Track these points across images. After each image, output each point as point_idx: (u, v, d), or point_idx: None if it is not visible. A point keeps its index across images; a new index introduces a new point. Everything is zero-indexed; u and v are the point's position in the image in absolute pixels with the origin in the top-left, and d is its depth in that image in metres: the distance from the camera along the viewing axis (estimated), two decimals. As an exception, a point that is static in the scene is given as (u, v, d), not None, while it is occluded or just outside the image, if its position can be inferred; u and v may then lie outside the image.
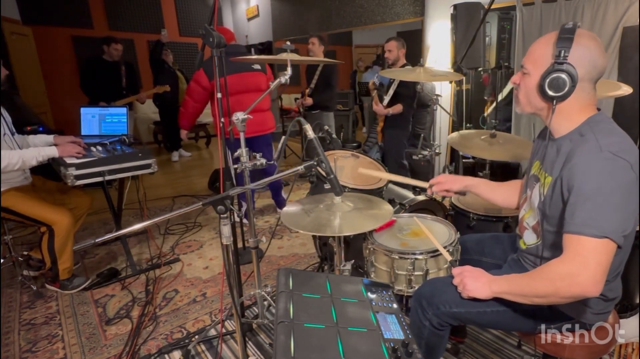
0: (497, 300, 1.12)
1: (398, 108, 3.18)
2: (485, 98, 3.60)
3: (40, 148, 2.09)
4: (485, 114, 3.61)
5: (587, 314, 1.08)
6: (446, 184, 1.42)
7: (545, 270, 0.95)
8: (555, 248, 1.05)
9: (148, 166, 2.34)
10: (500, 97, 3.39)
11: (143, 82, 6.82)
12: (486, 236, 1.49)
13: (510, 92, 3.45)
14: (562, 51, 0.94)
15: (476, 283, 1.07)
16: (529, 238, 1.18)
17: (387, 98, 3.23)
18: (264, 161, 1.59)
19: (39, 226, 2.15)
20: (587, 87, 0.99)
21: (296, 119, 1.41)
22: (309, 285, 0.93)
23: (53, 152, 2.09)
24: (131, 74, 4.49)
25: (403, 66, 3.15)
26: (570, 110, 1.01)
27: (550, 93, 0.98)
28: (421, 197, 2.08)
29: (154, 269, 2.53)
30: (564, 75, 0.95)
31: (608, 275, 0.90)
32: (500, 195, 1.39)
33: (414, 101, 3.19)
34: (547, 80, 0.97)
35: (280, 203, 3.47)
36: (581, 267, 0.88)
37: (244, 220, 2.60)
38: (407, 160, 3.40)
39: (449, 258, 1.30)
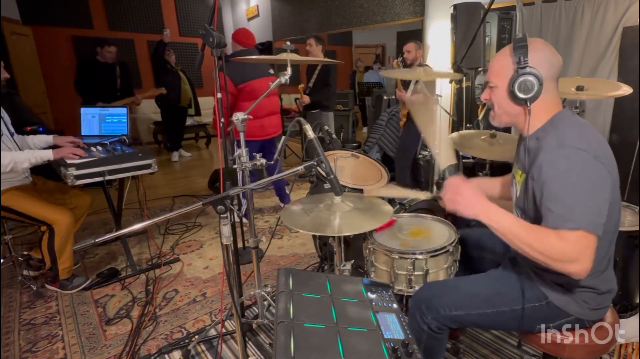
0: (498, 301, 1.12)
1: (421, 97, 3.20)
2: (478, 103, 3.61)
3: (35, 150, 2.07)
4: (480, 117, 3.61)
5: (585, 311, 1.08)
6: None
7: (546, 240, 0.94)
8: None
9: (148, 166, 2.34)
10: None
11: (143, 82, 6.83)
12: (487, 232, 1.49)
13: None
14: (521, 57, 1.02)
15: (468, 204, 1.08)
16: None
17: (409, 93, 3.27)
18: (263, 161, 1.59)
19: (39, 225, 2.15)
20: (551, 86, 1.05)
21: (296, 119, 1.41)
22: (309, 285, 0.93)
23: (48, 154, 2.05)
24: (126, 75, 4.48)
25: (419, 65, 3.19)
26: (539, 110, 1.07)
27: (522, 96, 1.04)
28: (421, 197, 2.07)
29: (154, 269, 2.53)
30: (530, 77, 1.02)
31: (597, 265, 0.94)
32: (498, 189, 1.43)
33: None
34: (516, 85, 1.04)
35: (283, 198, 3.49)
36: (576, 255, 0.91)
37: (244, 220, 2.61)
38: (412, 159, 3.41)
39: (427, 196, 1.31)
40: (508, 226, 1.01)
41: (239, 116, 1.57)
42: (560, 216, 0.92)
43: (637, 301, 1.71)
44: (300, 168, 1.17)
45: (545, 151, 0.98)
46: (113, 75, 4.32)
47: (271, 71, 3.04)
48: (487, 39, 3.32)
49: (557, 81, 1.07)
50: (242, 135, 1.61)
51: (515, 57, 1.03)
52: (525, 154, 1.10)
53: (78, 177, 2.10)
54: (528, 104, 1.05)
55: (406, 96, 3.23)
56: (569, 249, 0.91)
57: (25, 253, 2.44)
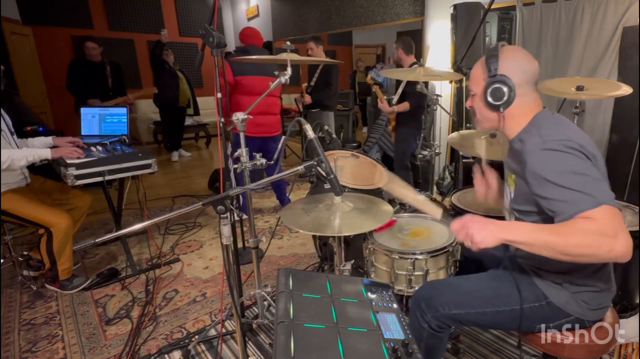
0: (497, 300, 1.12)
1: (405, 106, 3.15)
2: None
3: (33, 149, 2.05)
4: None
5: (585, 311, 1.08)
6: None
7: (577, 228, 0.87)
8: None
9: (148, 166, 2.35)
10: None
11: (143, 82, 6.83)
12: None
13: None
14: (492, 66, 1.08)
15: (484, 231, 0.95)
16: None
17: (395, 97, 3.22)
18: (264, 161, 1.59)
19: (37, 228, 2.15)
20: (528, 90, 1.09)
21: (296, 119, 1.41)
22: (309, 285, 0.93)
23: (46, 153, 2.03)
24: (117, 74, 4.41)
25: (411, 65, 3.14)
26: (519, 114, 1.10)
27: (495, 102, 1.09)
28: (421, 198, 2.07)
29: (154, 269, 2.53)
30: (501, 85, 1.07)
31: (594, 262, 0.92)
32: (495, 190, 1.44)
33: (423, 100, 3.15)
34: (488, 93, 1.09)
35: (282, 200, 3.49)
36: (613, 229, 0.84)
37: (244, 216, 2.60)
38: (411, 160, 3.39)
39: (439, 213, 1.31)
40: (535, 233, 0.92)
41: (239, 116, 1.57)
42: (576, 201, 0.88)
43: (637, 301, 1.71)
44: (300, 168, 1.17)
45: (532, 152, 0.99)
46: (104, 75, 4.26)
47: (277, 73, 3.04)
48: (487, 39, 3.32)
49: (535, 84, 1.10)
50: (242, 135, 1.61)
51: (487, 67, 1.08)
52: (511, 156, 1.12)
53: (78, 177, 2.10)
54: (501, 110, 1.09)
55: (389, 109, 3.19)
56: (603, 224, 0.84)
57: (25, 253, 2.43)
